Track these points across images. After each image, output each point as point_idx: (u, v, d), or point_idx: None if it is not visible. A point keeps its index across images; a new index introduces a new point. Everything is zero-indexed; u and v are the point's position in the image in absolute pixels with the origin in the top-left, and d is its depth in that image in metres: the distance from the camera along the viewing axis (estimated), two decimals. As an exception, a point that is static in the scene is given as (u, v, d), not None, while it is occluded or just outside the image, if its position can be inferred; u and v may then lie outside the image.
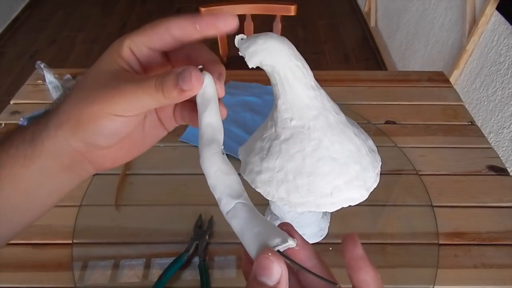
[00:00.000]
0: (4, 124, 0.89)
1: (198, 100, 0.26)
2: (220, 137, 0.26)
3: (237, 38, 0.39)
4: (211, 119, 0.26)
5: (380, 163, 0.54)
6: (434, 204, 0.73)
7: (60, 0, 3.15)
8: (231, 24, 0.25)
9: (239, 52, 0.37)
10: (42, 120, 0.26)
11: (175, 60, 0.29)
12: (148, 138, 0.31)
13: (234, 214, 0.23)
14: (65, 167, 0.27)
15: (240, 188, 0.24)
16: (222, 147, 0.26)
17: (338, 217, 0.70)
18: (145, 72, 0.28)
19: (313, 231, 0.66)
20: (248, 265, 0.24)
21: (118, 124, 0.25)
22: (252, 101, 0.93)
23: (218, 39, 1.50)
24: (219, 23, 0.25)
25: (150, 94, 0.24)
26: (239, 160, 0.56)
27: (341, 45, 2.58)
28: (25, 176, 0.26)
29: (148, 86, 0.24)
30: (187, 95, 0.24)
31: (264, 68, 0.45)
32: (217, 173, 0.24)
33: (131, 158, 0.31)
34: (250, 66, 0.40)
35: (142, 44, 0.26)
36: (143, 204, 0.73)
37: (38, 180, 0.27)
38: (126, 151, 0.30)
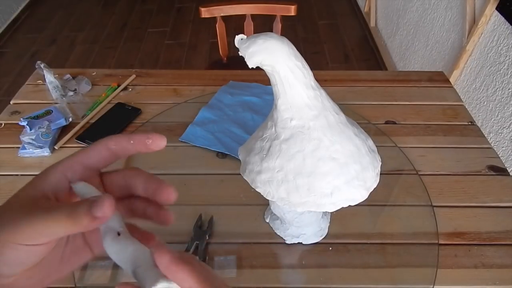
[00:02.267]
0: (4, 124, 0.89)
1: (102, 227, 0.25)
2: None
3: (237, 38, 0.39)
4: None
5: (380, 163, 0.54)
6: (434, 204, 0.73)
7: (60, 0, 3.15)
8: (160, 145, 0.28)
9: (239, 52, 0.37)
10: None
11: (110, 186, 0.29)
12: (68, 264, 0.28)
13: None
14: None
15: (137, 258, 0.23)
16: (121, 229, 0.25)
17: (338, 217, 0.70)
18: (71, 200, 0.27)
19: (313, 231, 0.66)
20: None
21: (21, 254, 0.24)
22: (252, 101, 0.93)
23: (218, 39, 1.50)
24: (150, 142, 0.28)
25: (61, 222, 0.23)
26: (239, 160, 0.56)
27: (341, 45, 2.58)
28: None
29: (60, 213, 0.23)
30: (98, 223, 0.23)
31: (264, 68, 0.45)
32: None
33: (46, 285, 0.28)
34: (250, 66, 0.40)
35: (78, 163, 0.27)
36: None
37: None
38: (39, 278, 0.27)
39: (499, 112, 1.22)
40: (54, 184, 0.26)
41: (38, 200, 0.25)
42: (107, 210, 0.23)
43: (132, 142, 0.28)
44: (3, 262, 0.24)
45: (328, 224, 0.68)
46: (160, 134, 0.28)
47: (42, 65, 0.93)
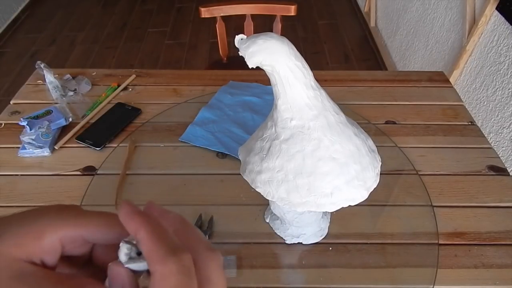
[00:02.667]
0: (4, 124, 0.89)
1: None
2: None
3: (237, 38, 0.39)
4: None
5: (380, 163, 0.54)
6: (434, 204, 0.73)
7: (60, 0, 3.15)
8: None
9: (239, 52, 0.37)
10: None
11: (99, 252, 0.25)
12: None
13: None
14: None
15: None
16: None
17: (338, 217, 0.70)
18: (59, 264, 0.23)
19: (313, 231, 0.66)
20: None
21: None
22: (252, 101, 0.93)
23: (218, 39, 1.50)
24: None
25: None
26: (239, 160, 0.56)
27: (341, 45, 2.58)
28: None
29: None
30: None
31: (264, 68, 0.45)
32: None
33: None
34: (250, 66, 0.40)
35: (80, 237, 0.22)
36: (143, 204, 0.73)
37: None
38: None
39: (499, 112, 1.22)
40: (47, 251, 0.21)
41: (23, 268, 0.20)
42: None
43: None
44: None
45: (328, 224, 0.68)
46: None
47: (42, 65, 0.93)
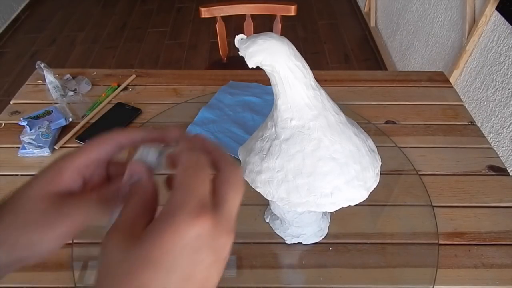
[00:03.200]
0: (4, 124, 0.89)
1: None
2: None
3: (237, 38, 0.39)
4: None
5: (380, 163, 0.54)
6: (434, 204, 0.73)
7: (60, 0, 3.15)
8: (174, 137, 0.30)
9: (239, 52, 0.37)
10: None
11: (113, 171, 0.31)
12: None
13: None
14: None
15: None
16: None
17: (338, 217, 0.70)
18: (85, 186, 0.29)
19: (313, 231, 0.66)
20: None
21: (57, 244, 0.27)
22: (252, 101, 0.93)
23: (218, 39, 1.50)
24: (164, 136, 0.30)
25: (92, 212, 0.27)
26: (239, 160, 0.56)
27: (341, 45, 2.58)
28: None
29: (88, 204, 0.27)
30: None
31: (264, 68, 0.45)
32: None
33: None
34: (250, 66, 0.40)
35: (93, 161, 0.28)
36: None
37: None
38: None
39: (499, 112, 1.22)
40: (69, 184, 0.27)
41: (55, 200, 0.26)
42: None
43: (143, 137, 0.29)
44: (35, 257, 0.27)
45: (328, 224, 0.68)
46: (174, 127, 0.30)
47: (42, 65, 0.93)
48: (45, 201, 0.26)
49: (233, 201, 0.25)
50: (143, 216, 0.24)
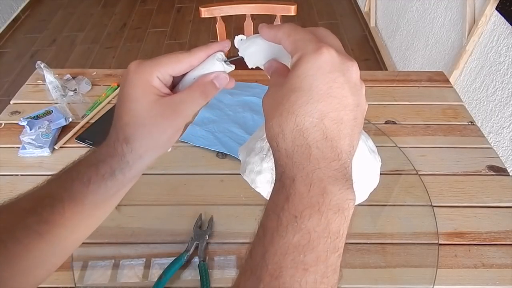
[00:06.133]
0: (4, 124, 0.89)
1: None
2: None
3: (237, 38, 0.39)
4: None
5: (380, 163, 0.54)
6: (434, 204, 0.73)
7: (60, 0, 3.15)
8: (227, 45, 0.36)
9: (238, 52, 0.37)
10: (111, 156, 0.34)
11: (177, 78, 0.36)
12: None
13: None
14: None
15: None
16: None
17: (338, 217, 0.69)
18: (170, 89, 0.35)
19: (313, 231, 0.66)
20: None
21: (176, 137, 0.36)
22: (252, 101, 0.93)
23: (218, 39, 1.49)
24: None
25: (199, 102, 0.34)
26: (239, 160, 0.56)
27: (341, 45, 2.58)
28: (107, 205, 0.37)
29: (194, 97, 0.34)
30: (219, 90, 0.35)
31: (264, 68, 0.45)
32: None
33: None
34: (250, 66, 0.39)
35: (165, 72, 0.33)
36: (143, 204, 0.73)
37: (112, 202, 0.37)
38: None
39: (499, 112, 1.22)
40: (158, 87, 0.33)
41: (164, 102, 0.33)
42: (224, 82, 0.35)
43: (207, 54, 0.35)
44: (168, 146, 0.35)
45: (328, 224, 0.68)
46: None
47: (42, 65, 0.93)
48: (157, 105, 0.32)
49: (338, 44, 0.29)
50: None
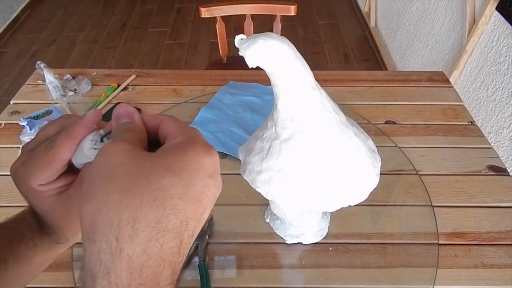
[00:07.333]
0: (4, 124, 0.89)
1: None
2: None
3: (237, 38, 0.39)
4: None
5: (380, 163, 0.54)
6: (434, 204, 0.73)
7: (60, 0, 3.15)
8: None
9: (239, 52, 0.37)
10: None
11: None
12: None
13: None
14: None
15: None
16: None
17: (338, 217, 0.70)
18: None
19: (313, 231, 0.66)
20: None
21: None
22: (252, 101, 0.93)
23: (218, 39, 1.49)
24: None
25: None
26: (239, 160, 0.56)
27: (341, 45, 2.58)
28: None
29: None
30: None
31: (264, 68, 0.45)
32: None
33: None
34: (250, 66, 0.40)
35: (41, 182, 0.30)
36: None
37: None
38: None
39: (499, 112, 1.22)
40: (43, 191, 0.31)
41: (49, 191, 0.31)
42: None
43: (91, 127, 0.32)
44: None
45: (328, 224, 0.68)
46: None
47: (42, 65, 0.93)
48: (58, 206, 0.30)
49: None
50: (141, 142, 0.25)
